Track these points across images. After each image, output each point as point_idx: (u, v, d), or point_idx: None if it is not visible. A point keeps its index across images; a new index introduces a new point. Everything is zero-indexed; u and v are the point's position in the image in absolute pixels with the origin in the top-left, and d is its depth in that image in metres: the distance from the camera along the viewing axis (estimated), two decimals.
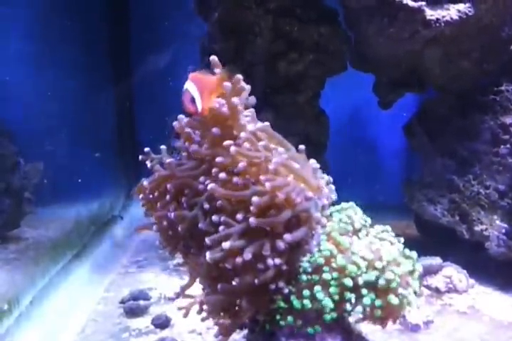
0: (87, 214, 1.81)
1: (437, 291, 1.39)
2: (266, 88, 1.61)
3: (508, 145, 1.50)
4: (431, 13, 1.25)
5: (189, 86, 0.80)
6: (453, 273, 1.40)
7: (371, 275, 0.86)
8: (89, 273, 1.40)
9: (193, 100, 0.79)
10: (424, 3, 1.25)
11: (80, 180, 1.96)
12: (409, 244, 0.98)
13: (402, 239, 0.95)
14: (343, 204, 0.98)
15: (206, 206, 0.77)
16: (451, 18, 1.24)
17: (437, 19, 1.24)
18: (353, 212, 0.97)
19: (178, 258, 1.58)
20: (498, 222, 1.46)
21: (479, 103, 1.56)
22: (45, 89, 1.91)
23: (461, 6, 1.25)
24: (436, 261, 1.47)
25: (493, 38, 1.38)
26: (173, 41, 2.02)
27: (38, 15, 1.83)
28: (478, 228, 1.47)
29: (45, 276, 1.20)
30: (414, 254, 0.92)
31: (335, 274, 0.86)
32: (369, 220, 0.98)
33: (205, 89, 0.80)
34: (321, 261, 0.86)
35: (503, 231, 1.44)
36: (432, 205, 1.58)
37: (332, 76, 1.68)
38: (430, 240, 1.69)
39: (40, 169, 1.80)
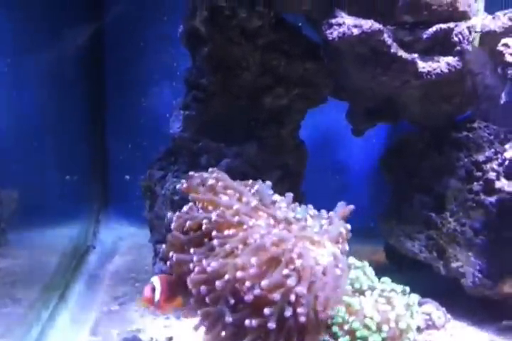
0: (67, 244, 1.77)
1: (417, 328, 1.44)
2: (251, 121, 1.63)
3: (481, 182, 1.57)
4: (423, 65, 1.29)
5: (155, 280, 0.92)
6: (432, 310, 1.46)
7: (378, 337, 0.89)
8: (73, 313, 1.37)
9: (153, 290, 0.90)
10: (416, 55, 1.30)
11: (52, 206, 1.91)
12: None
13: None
14: (356, 262, 1.01)
15: (232, 301, 0.79)
16: (442, 71, 1.29)
17: (429, 71, 1.29)
18: (361, 273, 1.00)
19: None
20: (473, 259, 1.53)
21: (454, 139, 1.62)
22: (19, 112, 1.85)
23: (450, 59, 1.30)
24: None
25: (475, 84, 1.44)
26: (150, 73, 2.00)
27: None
28: (454, 264, 1.54)
29: (39, 323, 1.17)
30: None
31: (347, 338, 0.88)
32: (376, 280, 1.01)
33: (167, 287, 0.92)
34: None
35: (478, 268, 1.51)
36: (409, 241, 1.64)
37: (314, 108, 1.72)
38: (403, 272, 1.74)
39: (15, 198, 1.75)
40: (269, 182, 1.11)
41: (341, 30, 1.33)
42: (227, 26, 1.47)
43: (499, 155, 1.58)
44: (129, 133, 2.04)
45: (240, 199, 0.98)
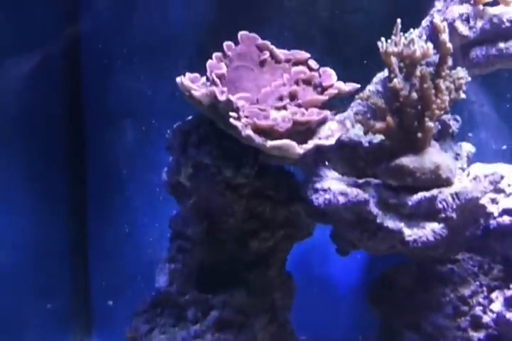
0: None
1: None
2: (237, 265, 1.62)
3: (468, 318, 1.59)
4: (409, 233, 1.31)
5: None
6: None
7: None
8: None
9: None
10: (402, 224, 1.32)
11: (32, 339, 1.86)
12: None
13: None
14: None
15: None
16: (428, 239, 1.30)
17: (415, 240, 1.30)
18: None
19: None
20: None
21: (439, 273, 1.64)
22: None
23: (436, 226, 1.31)
24: None
25: (458, 236, 1.46)
26: (133, 199, 1.99)
27: None
28: None
29: None
30: None
31: None
32: None
33: None
34: None
35: None
36: None
37: (299, 242, 1.72)
38: None
39: None
40: None
41: (327, 196, 1.34)
42: (212, 181, 1.48)
43: (484, 288, 1.61)
44: (112, 259, 2.01)
45: None
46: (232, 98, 1.27)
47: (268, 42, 1.55)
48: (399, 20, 1.31)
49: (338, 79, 1.50)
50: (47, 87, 1.93)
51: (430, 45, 1.28)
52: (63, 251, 2.00)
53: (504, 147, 1.93)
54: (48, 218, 1.95)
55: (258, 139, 1.24)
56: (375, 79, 1.60)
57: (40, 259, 1.92)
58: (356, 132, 1.50)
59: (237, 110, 1.28)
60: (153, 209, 1.94)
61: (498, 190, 1.53)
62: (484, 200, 1.46)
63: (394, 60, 1.32)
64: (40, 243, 1.92)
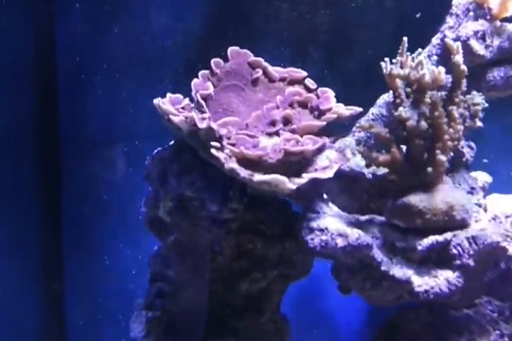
0: None
1: None
2: (226, 309, 1.44)
3: None
4: (419, 283, 1.13)
5: None
6: None
7: None
8: None
9: None
10: (411, 272, 1.14)
11: None
12: None
13: None
14: None
15: None
16: (441, 290, 1.13)
17: (426, 291, 1.13)
18: None
19: None
20: None
21: (453, 320, 1.45)
22: None
23: (450, 275, 1.14)
24: None
25: (476, 282, 1.28)
26: (112, 227, 1.83)
27: None
28: None
29: None
30: None
31: None
32: None
33: None
34: None
35: None
36: None
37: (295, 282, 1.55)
38: None
39: None
40: None
41: (324, 238, 1.17)
42: (196, 216, 1.31)
43: (506, 339, 1.43)
44: (90, 295, 1.84)
45: None
46: (214, 126, 1.10)
47: (261, 59, 1.38)
48: (405, 39, 1.14)
49: (338, 98, 1.33)
50: (20, 106, 1.77)
51: (442, 69, 1.10)
52: (37, 287, 1.83)
53: None
54: (21, 248, 1.79)
55: (243, 173, 1.07)
56: (379, 101, 1.43)
57: (11, 297, 1.76)
58: (358, 161, 1.33)
59: (219, 139, 1.11)
60: (135, 239, 1.77)
61: None
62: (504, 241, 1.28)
63: (400, 83, 1.15)
64: (11, 279, 1.76)
